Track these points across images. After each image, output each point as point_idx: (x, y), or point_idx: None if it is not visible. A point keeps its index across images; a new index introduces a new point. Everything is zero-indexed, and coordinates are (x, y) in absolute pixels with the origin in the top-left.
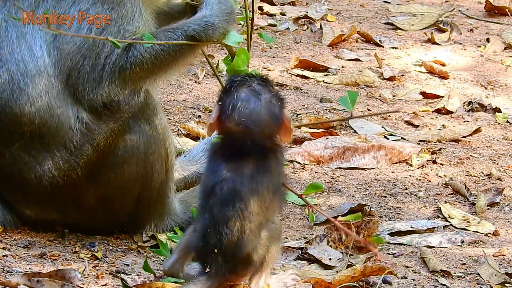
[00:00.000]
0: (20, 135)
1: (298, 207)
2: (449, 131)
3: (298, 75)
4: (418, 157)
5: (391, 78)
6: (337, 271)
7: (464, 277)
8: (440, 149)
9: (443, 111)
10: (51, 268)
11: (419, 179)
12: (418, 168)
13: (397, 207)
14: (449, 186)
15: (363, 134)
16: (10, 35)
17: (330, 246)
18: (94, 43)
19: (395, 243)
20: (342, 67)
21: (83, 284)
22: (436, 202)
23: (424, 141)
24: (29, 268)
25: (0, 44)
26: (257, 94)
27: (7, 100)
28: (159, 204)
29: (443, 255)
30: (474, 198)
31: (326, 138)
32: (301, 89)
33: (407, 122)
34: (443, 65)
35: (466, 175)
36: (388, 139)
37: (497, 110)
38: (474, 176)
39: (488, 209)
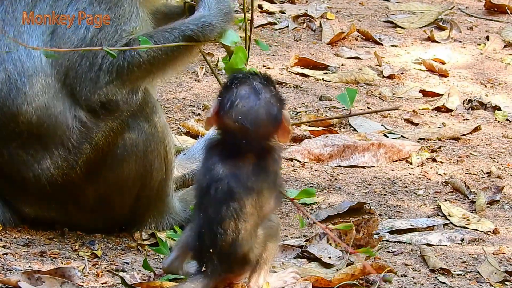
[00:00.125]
0: (18, 134)
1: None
2: (448, 129)
3: (297, 73)
4: (417, 155)
5: (390, 76)
6: (337, 270)
7: (464, 275)
8: (439, 147)
9: (442, 109)
10: (51, 266)
11: (419, 177)
12: (418, 166)
13: (397, 205)
14: (449, 184)
15: (362, 132)
16: (7, 35)
17: (330, 244)
18: (91, 43)
19: (394, 241)
20: (342, 65)
21: (83, 282)
22: (436, 200)
23: (423, 139)
24: (29, 266)
25: None
26: (257, 93)
27: (5, 100)
28: (158, 202)
29: (443, 253)
30: (474, 196)
31: (326, 136)
32: (300, 87)
33: (407, 120)
34: (443, 63)
35: (466, 173)
36: (388, 137)
37: (497, 108)
38: (474, 174)
39: (488, 207)
